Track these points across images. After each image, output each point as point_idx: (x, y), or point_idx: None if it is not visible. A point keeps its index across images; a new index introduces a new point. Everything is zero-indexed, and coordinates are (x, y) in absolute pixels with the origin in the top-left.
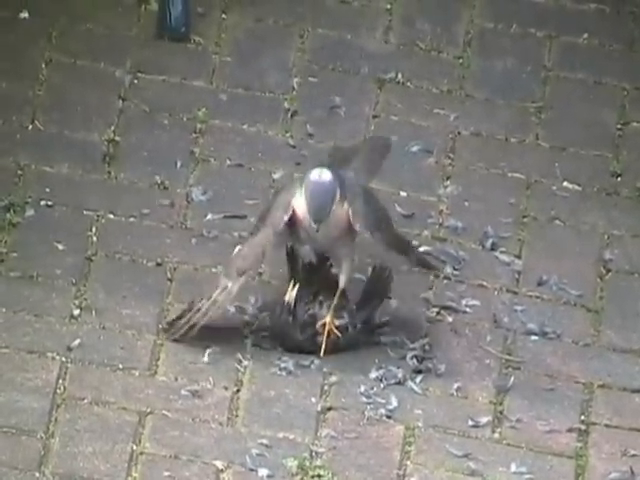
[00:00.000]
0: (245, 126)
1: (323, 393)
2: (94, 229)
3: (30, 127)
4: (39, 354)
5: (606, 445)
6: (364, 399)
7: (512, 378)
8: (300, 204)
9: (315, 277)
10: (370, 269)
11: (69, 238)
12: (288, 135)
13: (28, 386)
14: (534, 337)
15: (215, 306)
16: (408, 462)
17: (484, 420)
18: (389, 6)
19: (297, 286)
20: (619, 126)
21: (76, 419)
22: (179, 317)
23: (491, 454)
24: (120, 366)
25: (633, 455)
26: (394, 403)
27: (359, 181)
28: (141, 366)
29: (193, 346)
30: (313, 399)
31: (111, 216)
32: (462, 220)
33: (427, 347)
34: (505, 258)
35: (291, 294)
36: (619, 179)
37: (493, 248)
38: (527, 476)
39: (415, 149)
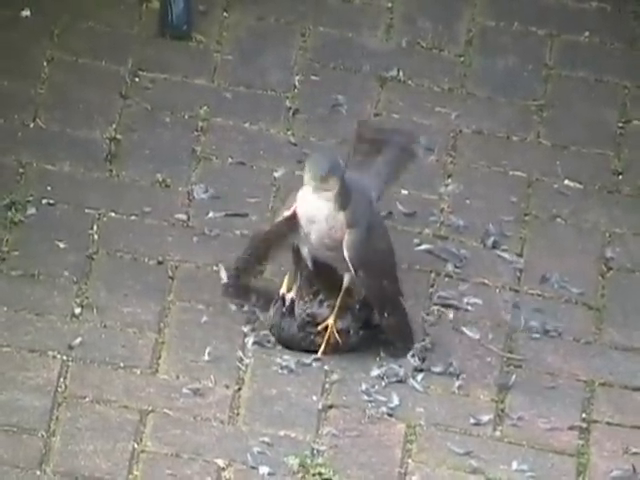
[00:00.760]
0: (247, 124)
1: (324, 391)
2: (95, 227)
3: (32, 125)
4: (40, 352)
5: (608, 443)
6: (365, 397)
7: (514, 376)
8: (304, 193)
9: (317, 276)
10: None
11: (71, 236)
12: (290, 133)
13: (29, 385)
14: (536, 335)
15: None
16: (409, 460)
17: (485, 418)
18: (390, 4)
19: (294, 281)
20: (620, 124)
21: (77, 417)
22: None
23: (492, 452)
24: (121, 364)
25: (635, 453)
26: (395, 401)
27: (372, 189)
28: (142, 364)
29: (194, 344)
30: (314, 397)
31: (113, 214)
32: (464, 218)
33: (428, 345)
34: (507, 256)
35: (286, 286)
36: (620, 177)
37: (495, 246)
38: (529, 474)
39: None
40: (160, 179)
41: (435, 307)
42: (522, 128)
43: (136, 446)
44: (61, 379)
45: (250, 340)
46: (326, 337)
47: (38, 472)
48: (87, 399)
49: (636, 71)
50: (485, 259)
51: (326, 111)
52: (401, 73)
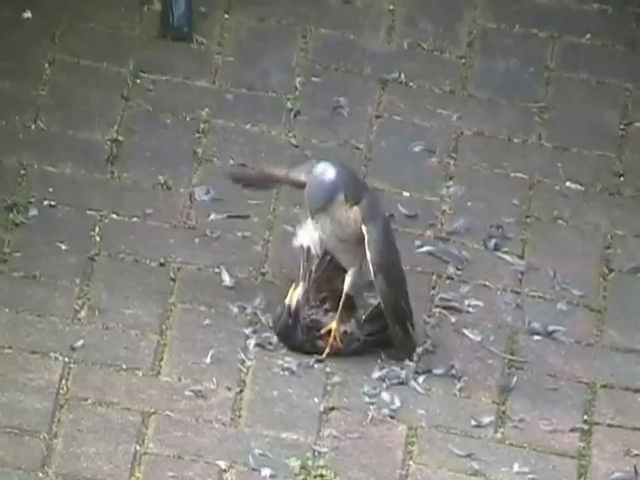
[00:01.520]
0: (248, 126)
1: (326, 393)
2: (97, 229)
3: (33, 127)
4: (42, 354)
5: (609, 445)
6: (367, 399)
7: (515, 378)
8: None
9: (326, 283)
10: None
11: (72, 238)
12: (291, 135)
13: (31, 386)
14: (537, 337)
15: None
16: (411, 462)
17: (487, 420)
18: (392, 6)
19: (300, 288)
20: (622, 126)
21: (79, 419)
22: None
23: (494, 454)
24: (123, 366)
25: (636, 455)
26: (397, 403)
27: None
28: (144, 366)
29: (196, 346)
30: (316, 399)
31: (114, 216)
32: (465, 220)
33: (430, 347)
34: (508, 258)
35: (292, 296)
36: (622, 179)
37: (496, 248)
38: (530, 476)
39: (418, 149)
40: (161, 181)
41: (436, 309)
42: (523, 130)
43: (138, 448)
44: (63, 381)
45: (252, 342)
46: (330, 340)
47: (40, 474)
48: (89, 401)
49: (637, 73)
50: (486, 261)
51: (327, 113)
52: (402, 75)
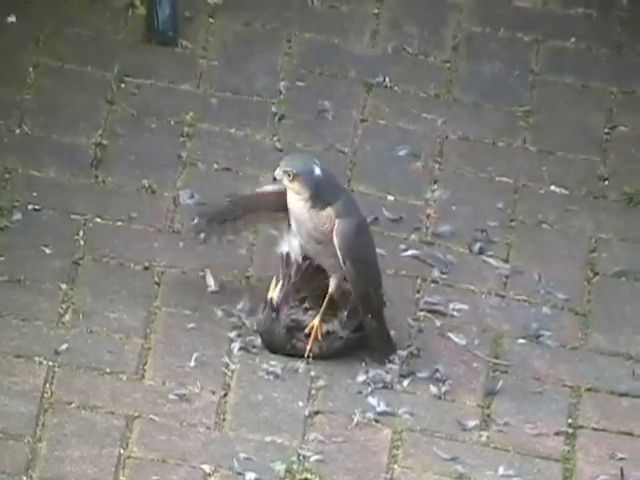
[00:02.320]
0: (233, 130)
1: (311, 397)
2: (82, 233)
3: (18, 131)
4: (26, 358)
5: (594, 448)
6: (352, 403)
7: (500, 381)
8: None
9: (305, 284)
10: None
11: (57, 242)
12: (276, 139)
13: (15, 390)
14: (522, 340)
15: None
16: (396, 466)
17: (472, 423)
18: (377, 10)
19: (280, 285)
20: (607, 130)
21: (63, 423)
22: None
23: (479, 457)
24: (108, 370)
25: (621, 458)
26: (382, 407)
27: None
28: (129, 370)
29: (180, 350)
30: (301, 403)
31: (99, 220)
32: (450, 224)
33: (415, 351)
34: (493, 262)
35: (274, 290)
36: (606, 183)
37: (481, 252)
38: (515, 479)
39: (403, 153)
40: (146, 185)
41: (421, 313)
42: (508, 134)
43: (122, 452)
44: (47, 385)
45: (236, 346)
46: (312, 337)
47: (24, 478)
48: (73, 405)
49: (622, 77)
50: (471, 265)
51: (312, 117)
52: (387, 79)
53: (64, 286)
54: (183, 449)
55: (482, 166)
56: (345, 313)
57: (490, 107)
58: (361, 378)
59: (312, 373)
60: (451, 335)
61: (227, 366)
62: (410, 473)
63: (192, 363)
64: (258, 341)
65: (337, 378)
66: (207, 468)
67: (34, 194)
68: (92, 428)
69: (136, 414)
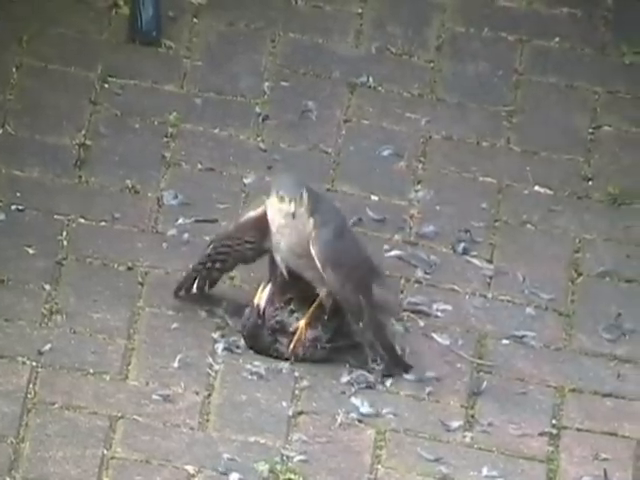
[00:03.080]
0: (216, 130)
1: (294, 397)
2: (65, 233)
3: (1, 131)
4: (9, 359)
5: (577, 449)
6: (335, 403)
7: (484, 382)
8: (272, 202)
9: (292, 286)
10: None
11: (40, 242)
12: (259, 139)
13: None
14: (505, 341)
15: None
16: (379, 466)
17: (456, 424)
18: (360, 10)
19: (268, 289)
20: (591, 130)
21: (47, 424)
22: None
23: (462, 458)
24: (91, 370)
25: (604, 459)
26: (365, 407)
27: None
28: (112, 370)
29: (164, 350)
30: (284, 403)
31: (82, 220)
32: (434, 224)
33: (399, 351)
34: (477, 262)
35: (261, 296)
36: (590, 183)
37: (465, 252)
38: None
39: (386, 153)
40: (129, 185)
41: (405, 313)
42: (492, 134)
43: (106, 452)
44: (30, 385)
45: (220, 346)
46: (296, 337)
47: (7, 478)
48: (57, 405)
49: (606, 76)
50: (455, 265)
51: (296, 117)
52: (371, 79)
53: (47, 286)
54: (167, 450)
55: (466, 166)
56: (326, 316)
57: (474, 107)
58: (345, 379)
59: (296, 374)
60: (435, 335)
61: (211, 366)
62: (394, 473)
63: (176, 364)
64: (242, 342)
65: (321, 379)
66: (191, 469)
67: (17, 194)
68: (75, 429)
69: (119, 415)
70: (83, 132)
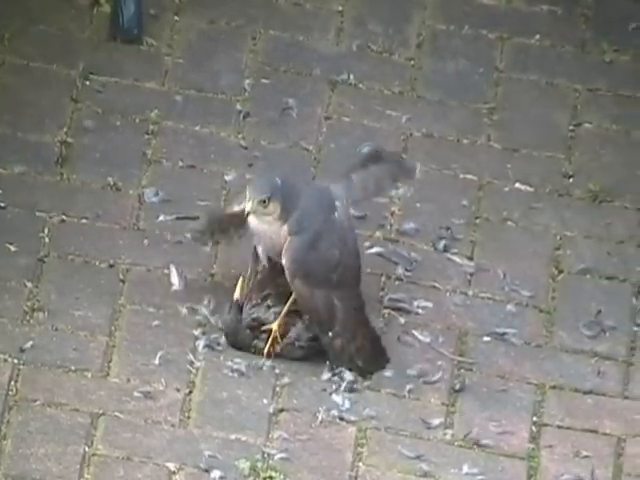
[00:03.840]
0: (197, 127)
1: (275, 395)
2: (46, 230)
3: None
4: None
5: (558, 446)
6: (316, 401)
7: (464, 379)
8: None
9: (270, 281)
10: None
11: (21, 239)
12: (240, 136)
13: None
14: (486, 338)
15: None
16: (360, 464)
17: (436, 421)
18: (341, 8)
19: (248, 284)
20: (571, 127)
21: (28, 421)
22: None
23: (443, 455)
24: (72, 368)
25: (585, 456)
26: (346, 405)
27: (340, 198)
28: (93, 368)
29: (145, 348)
30: (265, 400)
31: (64, 217)
32: (414, 221)
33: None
34: (457, 259)
35: (240, 292)
36: (571, 180)
37: (445, 249)
38: (479, 477)
39: (367, 150)
40: (111, 182)
41: (386, 310)
42: (473, 131)
43: (87, 449)
44: (12, 382)
45: (201, 343)
46: (270, 341)
47: None
48: (38, 402)
49: (587, 74)
50: (436, 262)
51: (277, 114)
52: (352, 76)
53: (29, 284)
54: (148, 447)
55: (446, 163)
56: (303, 323)
57: (454, 104)
58: (326, 376)
59: (277, 371)
60: (415, 333)
61: (192, 364)
62: (374, 471)
63: (157, 361)
64: (223, 339)
65: (302, 376)
66: (172, 466)
67: None
68: (57, 426)
69: (101, 412)
70: (65, 129)
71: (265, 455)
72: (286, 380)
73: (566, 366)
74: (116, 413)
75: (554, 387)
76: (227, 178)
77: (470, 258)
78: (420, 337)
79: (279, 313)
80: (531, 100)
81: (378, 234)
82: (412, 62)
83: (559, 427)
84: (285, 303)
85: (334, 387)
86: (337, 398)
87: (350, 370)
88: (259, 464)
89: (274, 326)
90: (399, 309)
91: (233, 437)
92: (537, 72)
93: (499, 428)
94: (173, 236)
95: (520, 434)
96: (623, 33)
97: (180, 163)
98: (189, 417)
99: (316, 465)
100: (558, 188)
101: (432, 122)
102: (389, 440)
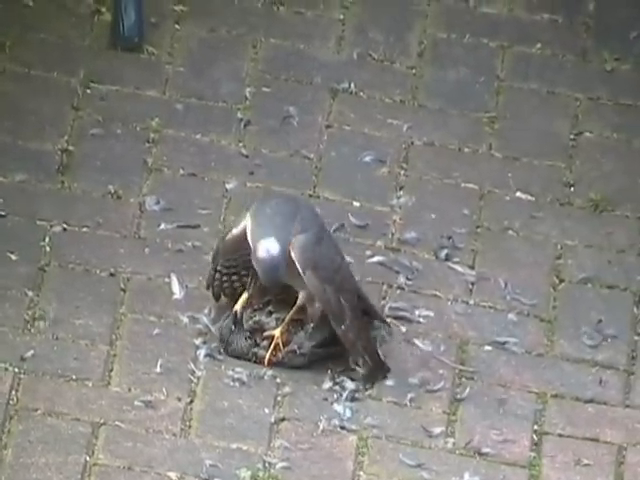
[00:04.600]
0: (198, 136)
1: (276, 404)
2: (47, 239)
3: None
4: None
5: (559, 455)
6: (317, 410)
7: (466, 388)
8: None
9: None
10: None
11: (22, 248)
12: (241, 145)
13: None
14: (487, 347)
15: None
16: (361, 472)
17: (437, 430)
18: (342, 16)
19: (249, 292)
20: (572, 136)
21: (29, 430)
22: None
23: (444, 464)
24: (73, 377)
25: (586, 465)
26: (347, 414)
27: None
28: (94, 377)
29: (146, 357)
30: (266, 410)
31: (64, 226)
32: (416, 230)
33: (381, 355)
34: (459, 268)
35: (242, 304)
36: (572, 189)
37: (447, 258)
38: None
39: (368, 159)
40: (112, 190)
41: (387, 319)
42: (474, 140)
43: (88, 459)
44: (13, 391)
45: (202, 352)
46: (271, 347)
47: None
48: (39, 412)
49: (587, 83)
50: (437, 271)
51: (277, 123)
52: (352, 85)
53: (30, 292)
54: (149, 456)
55: (447, 172)
56: (311, 325)
57: (455, 113)
58: (327, 385)
59: (278, 380)
60: (417, 341)
61: (193, 373)
62: None
63: (158, 370)
64: (221, 348)
65: (303, 385)
66: (173, 475)
67: (0, 200)
68: (58, 435)
69: (102, 421)
70: (65, 137)
71: (266, 464)
72: (287, 389)
73: (567, 375)
74: (117, 422)
75: (555, 396)
76: (228, 186)
77: (471, 267)
78: (421, 346)
79: (280, 319)
80: (532, 109)
81: (379, 243)
82: (413, 70)
83: (560, 436)
84: (286, 310)
85: (335, 396)
86: (338, 407)
87: (361, 366)
88: (260, 473)
89: (277, 333)
90: (400, 318)
91: (234, 446)
92: (538, 81)
93: (500, 436)
94: (174, 245)
95: (521, 443)
96: (624, 42)
97: (181, 171)
98: (190, 426)
99: (317, 474)
100: (559, 197)
101: (433, 131)
102: (390, 449)
